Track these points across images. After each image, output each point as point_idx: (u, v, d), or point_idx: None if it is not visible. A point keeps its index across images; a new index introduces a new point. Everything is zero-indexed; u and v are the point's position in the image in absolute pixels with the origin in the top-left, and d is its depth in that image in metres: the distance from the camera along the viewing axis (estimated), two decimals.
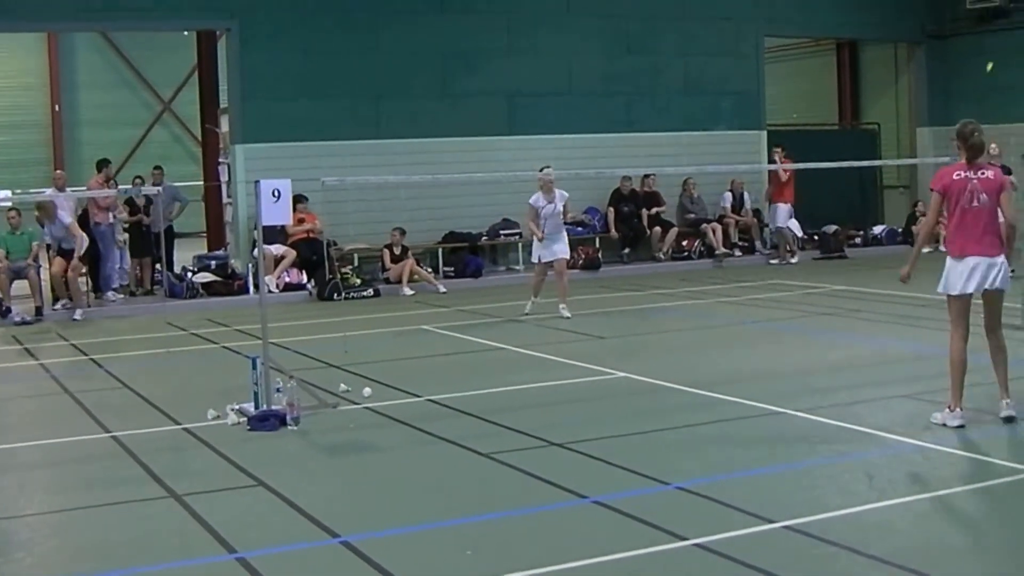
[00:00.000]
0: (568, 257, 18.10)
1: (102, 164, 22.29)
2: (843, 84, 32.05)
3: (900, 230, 27.54)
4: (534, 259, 18.03)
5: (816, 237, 26.46)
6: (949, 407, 9.90)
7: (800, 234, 26.16)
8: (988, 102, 27.66)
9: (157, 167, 23.88)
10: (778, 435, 10.17)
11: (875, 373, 12.61)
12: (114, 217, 21.55)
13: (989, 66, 18.90)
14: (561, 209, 17.71)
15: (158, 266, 22.13)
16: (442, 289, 21.68)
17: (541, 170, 18.11)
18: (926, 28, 29.18)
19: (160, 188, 21.90)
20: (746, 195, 26.24)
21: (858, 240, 27.39)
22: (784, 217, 25.05)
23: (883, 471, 8.78)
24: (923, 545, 7.28)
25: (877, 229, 27.97)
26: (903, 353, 13.85)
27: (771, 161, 25.15)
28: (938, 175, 10.03)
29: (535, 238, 17.72)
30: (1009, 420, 9.84)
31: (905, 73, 30.54)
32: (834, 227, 26.43)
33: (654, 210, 25.33)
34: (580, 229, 24.49)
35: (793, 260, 24.89)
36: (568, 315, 17.43)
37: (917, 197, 29.12)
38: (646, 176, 25.10)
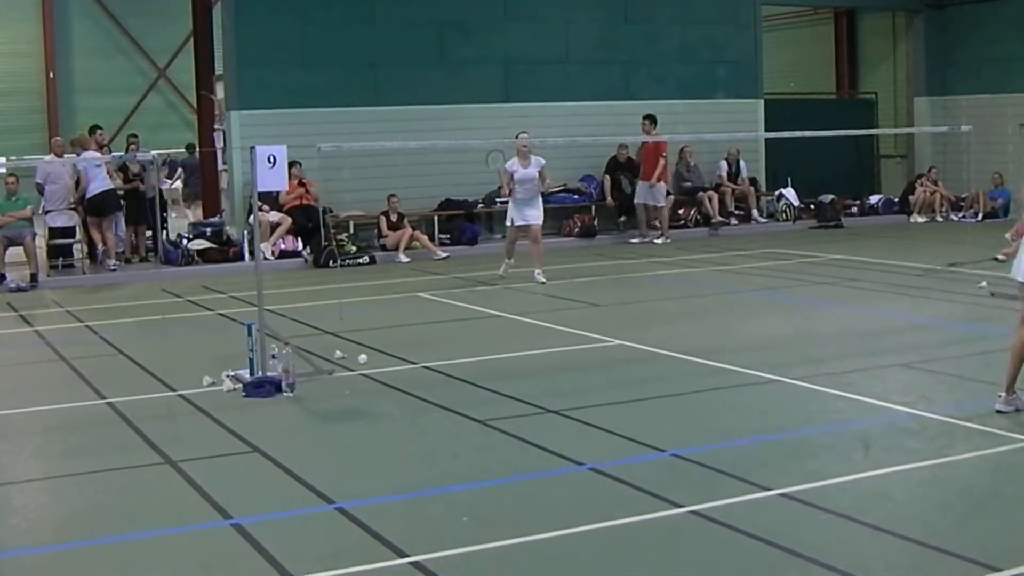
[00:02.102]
0: (541, 223, 18.19)
1: (93, 130, 22.20)
2: (840, 53, 31.97)
3: (896, 200, 27.50)
4: (507, 222, 18.39)
5: (812, 206, 26.41)
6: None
7: (796, 203, 26.18)
8: (986, 72, 27.65)
9: (133, 135, 23.80)
10: (774, 403, 10.17)
11: (871, 342, 12.60)
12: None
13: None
14: (536, 175, 17.96)
15: (150, 232, 22.11)
16: (442, 254, 21.69)
17: (517, 136, 18.42)
18: None
19: (152, 155, 21.87)
20: (742, 164, 26.18)
21: (854, 209, 27.33)
22: (644, 194, 23.87)
23: (879, 439, 8.78)
24: (920, 513, 7.29)
25: (874, 198, 27.90)
26: (899, 322, 13.85)
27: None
28: None
29: (510, 201, 18.23)
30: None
31: (903, 42, 30.46)
32: (831, 196, 26.36)
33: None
34: (576, 197, 24.47)
35: (658, 240, 23.52)
36: (543, 280, 17.63)
37: (914, 167, 29.13)
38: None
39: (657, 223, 23.93)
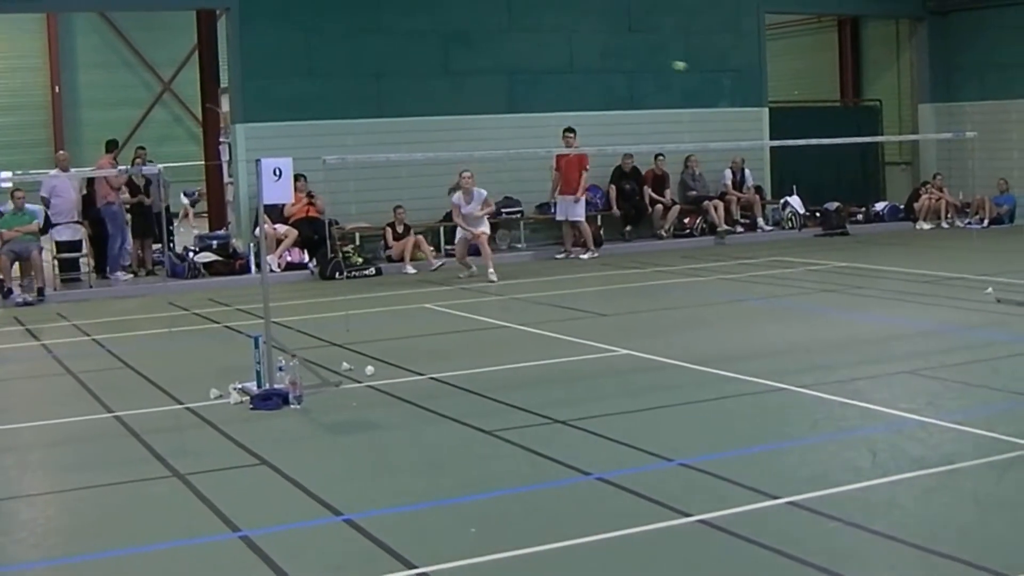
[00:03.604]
0: (488, 233, 20.97)
1: (111, 145, 22.29)
2: (845, 60, 31.95)
3: (902, 207, 27.48)
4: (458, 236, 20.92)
5: (818, 214, 26.39)
6: None
7: (802, 211, 26.17)
8: (990, 78, 27.64)
9: (141, 147, 23.85)
10: (781, 411, 10.16)
11: (878, 349, 12.59)
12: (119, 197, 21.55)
13: (680, 65, 19.25)
14: (478, 209, 20.60)
15: (156, 246, 22.15)
16: (436, 263, 21.69)
17: (460, 174, 20.65)
18: (927, 4, 29.03)
19: (159, 168, 21.91)
20: (747, 172, 26.20)
21: (860, 217, 27.33)
22: (566, 210, 23.21)
23: (887, 447, 8.76)
24: (928, 520, 7.28)
25: (879, 206, 27.90)
26: (905, 329, 13.83)
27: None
28: None
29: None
30: None
31: (907, 49, 30.44)
32: (836, 204, 26.35)
33: (667, 194, 25.29)
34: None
35: (583, 256, 23.00)
36: (495, 279, 19.54)
37: (919, 174, 29.12)
38: (657, 156, 25.03)
39: (581, 239, 23.41)
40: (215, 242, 22.12)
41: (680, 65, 23.04)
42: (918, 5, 29.15)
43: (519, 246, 23.98)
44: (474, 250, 20.58)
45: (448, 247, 23.12)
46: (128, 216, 21.62)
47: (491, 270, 19.96)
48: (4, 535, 7.63)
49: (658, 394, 10.97)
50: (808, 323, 14.80)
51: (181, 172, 32.02)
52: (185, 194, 33.73)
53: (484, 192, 20.68)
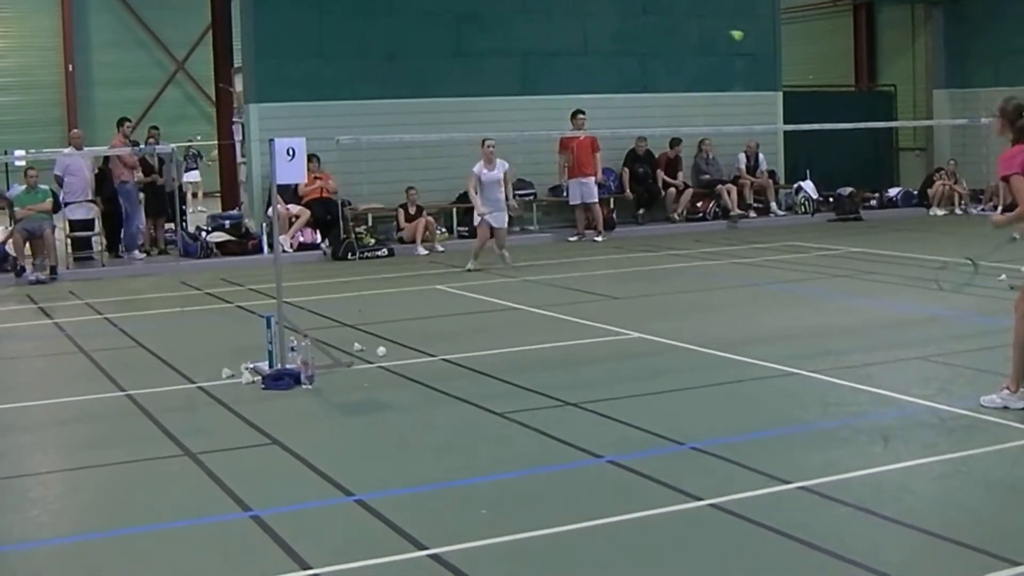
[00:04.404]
0: (506, 228, 19.41)
1: (122, 122, 22.30)
2: (859, 45, 31.92)
3: (916, 192, 27.41)
4: (476, 221, 19.32)
5: (831, 199, 26.34)
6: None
7: (815, 196, 26.13)
8: (1005, 64, 27.54)
9: (154, 127, 23.87)
10: (793, 396, 10.15)
11: (890, 335, 12.57)
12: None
13: (737, 34, 19.13)
14: (501, 177, 19.07)
15: (168, 225, 22.19)
16: (439, 248, 21.71)
17: (483, 142, 19.18)
18: None
19: (172, 148, 21.95)
20: (761, 156, 26.15)
21: (873, 202, 27.28)
22: (579, 193, 23.26)
23: (898, 432, 8.75)
24: (939, 506, 7.28)
25: (892, 191, 27.85)
26: (918, 315, 13.81)
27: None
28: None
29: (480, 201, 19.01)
30: None
31: (922, 35, 30.38)
32: (849, 189, 26.29)
33: (679, 177, 25.28)
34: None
35: (597, 238, 23.04)
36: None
37: (933, 160, 29.05)
38: (673, 142, 25.04)
39: (593, 221, 23.42)
40: (228, 222, 22.15)
41: (737, 34, 22.95)
42: None
43: (532, 228, 23.97)
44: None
45: (461, 228, 23.13)
46: (141, 195, 21.65)
47: (506, 252, 18.96)
48: (16, 513, 7.66)
49: (670, 377, 10.96)
50: (820, 308, 14.78)
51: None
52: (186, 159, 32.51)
53: (507, 164, 19.39)
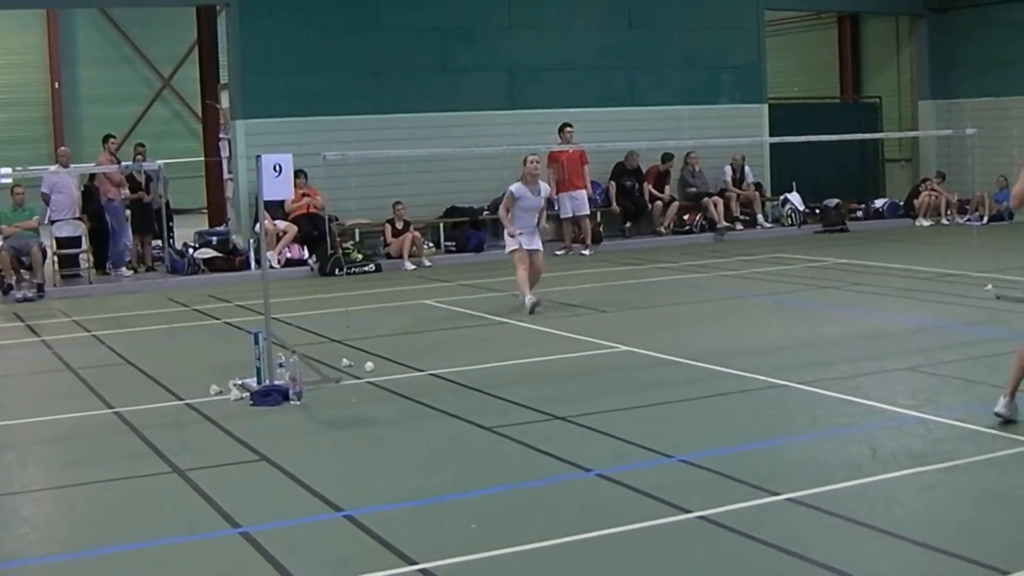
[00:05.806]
0: (543, 251, 16.30)
1: (107, 139, 22.25)
2: (844, 57, 31.95)
3: (902, 203, 27.48)
4: (508, 247, 15.91)
5: (818, 210, 26.41)
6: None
7: (801, 207, 26.19)
8: (990, 75, 27.65)
9: (140, 144, 23.86)
10: (781, 408, 10.17)
11: (877, 346, 12.60)
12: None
13: None
14: (543, 205, 15.95)
15: (156, 242, 22.17)
16: (427, 263, 21.75)
17: (525, 160, 16.04)
18: (927, 1, 29.05)
19: (159, 165, 21.93)
20: (747, 169, 26.21)
21: (859, 213, 27.35)
22: (571, 206, 23.12)
23: (886, 443, 8.77)
24: (928, 517, 7.29)
25: (879, 202, 27.90)
26: (905, 326, 13.84)
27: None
28: None
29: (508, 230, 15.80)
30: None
31: (907, 46, 30.45)
32: (836, 200, 26.36)
33: (666, 190, 25.32)
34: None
35: (585, 252, 22.90)
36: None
37: (919, 171, 29.13)
38: (665, 157, 25.10)
39: (580, 234, 23.33)
40: (215, 238, 22.13)
41: None
42: (918, 2, 29.15)
43: None
44: None
45: (448, 243, 23.15)
46: (128, 212, 21.63)
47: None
48: (5, 531, 7.64)
49: (658, 390, 10.97)
50: (807, 319, 14.81)
51: (180, 168, 32.04)
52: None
53: (547, 186, 16.54)
